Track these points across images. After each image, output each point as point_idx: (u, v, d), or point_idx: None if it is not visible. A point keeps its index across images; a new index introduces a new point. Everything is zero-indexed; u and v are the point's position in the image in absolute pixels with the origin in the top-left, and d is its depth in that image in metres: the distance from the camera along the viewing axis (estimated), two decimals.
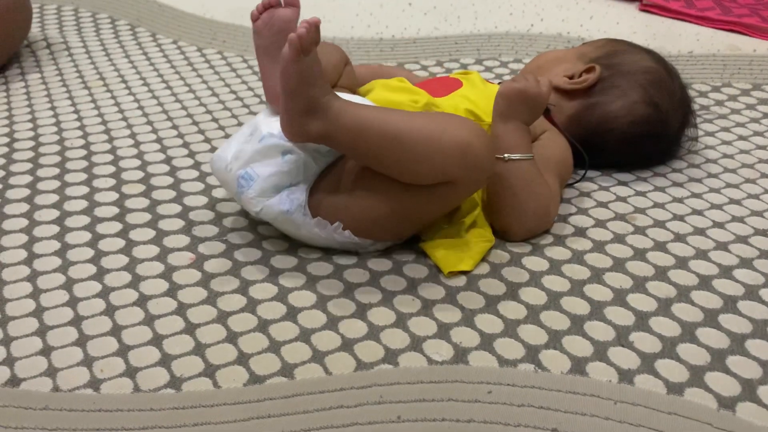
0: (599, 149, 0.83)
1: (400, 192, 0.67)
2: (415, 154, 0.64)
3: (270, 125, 0.70)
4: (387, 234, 0.71)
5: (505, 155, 0.72)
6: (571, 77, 0.85)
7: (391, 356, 0.60)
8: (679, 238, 0.76)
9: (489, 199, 0.74)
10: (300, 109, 0.65)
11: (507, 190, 0.72)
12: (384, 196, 0.68)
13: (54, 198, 0.81)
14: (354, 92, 0.80)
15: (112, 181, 0.85)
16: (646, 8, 1.40)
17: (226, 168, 0.71)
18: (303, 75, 0.63)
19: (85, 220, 0.78)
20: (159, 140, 0.94)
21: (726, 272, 0.71)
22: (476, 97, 0.78)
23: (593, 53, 0.87)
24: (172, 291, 0.67)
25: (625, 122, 0.82)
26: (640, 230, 0.77)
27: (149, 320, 0.64)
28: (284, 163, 0.69)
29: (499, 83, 0.86)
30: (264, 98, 0.85)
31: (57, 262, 0.71)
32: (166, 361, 0.60)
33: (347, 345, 0.62)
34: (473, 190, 0.70)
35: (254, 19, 0.72)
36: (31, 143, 0.93)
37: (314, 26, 0.62)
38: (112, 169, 0.87)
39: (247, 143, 0.70)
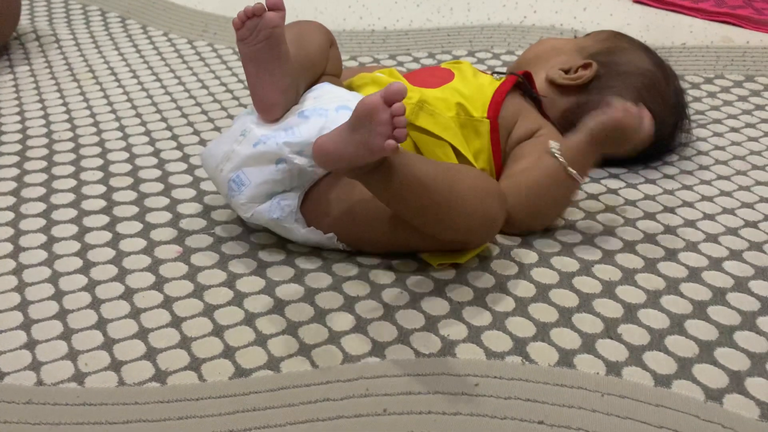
0: None
1: (403, 229, 0.67)
2: (448, 220, 0.64)
3: (264, 128, 0.69)
4: (381, 251, 0.70)
5: (573, 171, 0.71)
6: (567, 71, 0.84)
7: (378, 349, 0.60)
8: (669, 230, 0.75)
9: (526, 193, 0.72)
10: (363, 166, 0.60)
11: (553, 202, 0.73)
12: (387, 228, 0.67)
13: (41, 191, 0.81)
14: (339, 77, 0.79)
15: (99, 174, 0.84)
16: (640, 0, 1.40)
17: (216, 167, 0.70)
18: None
19: (72, 212, 0.77)
20: (147, 133, 0.93)
21: (715, 264, 0.70)
22: (468, 91, 0.78)
23: (593, 47, 0.86)
24: (159, 284, 0.67)
25: None
26: (629, 222, 0.76)
27: (135, 313, 0.64)
28: (277, 172, 0.68)
29: (492, 74, 0.86)
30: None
31: (43, 255, 0.71)
32: (151, 354, 0.60)
33: (334, 338, 0.61)
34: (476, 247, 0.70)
35: (237, 27, 0.67)
36: (19, 136, 0.92)
37: (404, 122, 0.56)
38: (100, 161, 0.87)
39: (239, 144, 0.69)
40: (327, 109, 0.69)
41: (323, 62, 0.76)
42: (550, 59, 0.86)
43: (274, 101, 0.69)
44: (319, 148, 0.60)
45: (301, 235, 0.70)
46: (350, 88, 0.78)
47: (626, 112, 0.70)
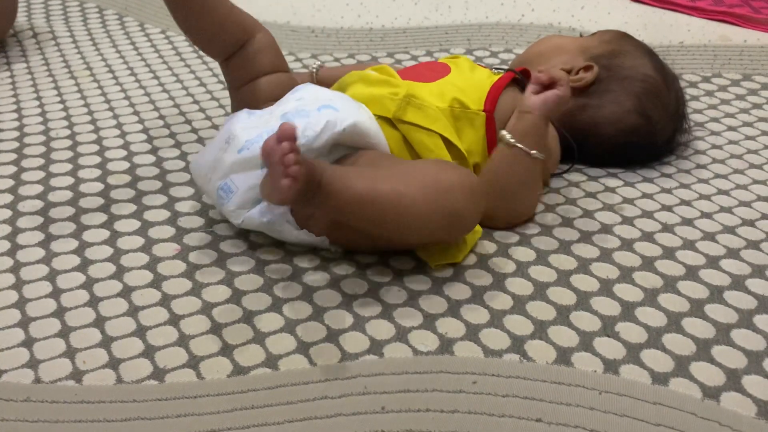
0: (584, 148, 0.83)
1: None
2: (406, 228, 0.64)
3: (248, 133, 0.69)
4: (371, 250, 0.70)
5: (533, 152, 0.72)
6: (568, 71, 0.83)
7: (376, 347, 0.60)
8: (667, 228, 0.75)
9: (494, 184, 0.72)
10: (294, 202, 0.61)
11: (519, 184, 0.73)
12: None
13: (38, 189, 0.81)
14: (287, 74, 0.79)
15: (97, 172, 0.84)
16: None
17: (205, 176, 0.71)
18: (302, 192, 0.58)
19: (69, 210, 0.77)
20: (145, 130, 0.93)
21: (713, 262, 0.71)
22: (464, 85, 0.77)
23: (596, 49, 0.85)
24: (157, 282, 0.67)
25: (613, 129, 0.81)
26: (627, 220, 0.76)
27: (133, 311, 0.64)
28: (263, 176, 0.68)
29: (491, 69, 0.86)
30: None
31: (40, 253, 0.71)
32: (149, 352, 0.60)
33: (332, 336, 0.61)
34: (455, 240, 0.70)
35: None
36: (16, 134, 0.92)
37: (292, 160, 0.55)
38: (97, 159, 0.87)
39: (224, 152, 0.69)
40: (309, 110, 0.69)
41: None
42: (552, 58, 0.86)
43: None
44: (260, 190, 0.61)
45: (294, 237, 0.70)
46: (340, 85, 0.78)
47: (567, 84, 0.73)
